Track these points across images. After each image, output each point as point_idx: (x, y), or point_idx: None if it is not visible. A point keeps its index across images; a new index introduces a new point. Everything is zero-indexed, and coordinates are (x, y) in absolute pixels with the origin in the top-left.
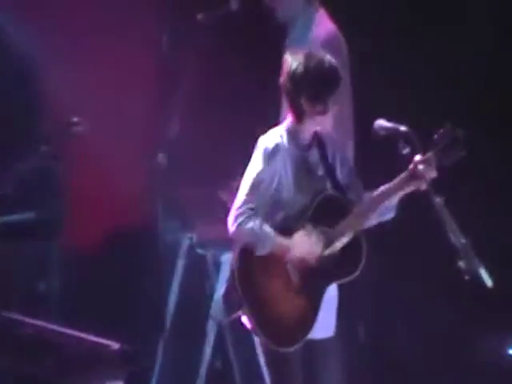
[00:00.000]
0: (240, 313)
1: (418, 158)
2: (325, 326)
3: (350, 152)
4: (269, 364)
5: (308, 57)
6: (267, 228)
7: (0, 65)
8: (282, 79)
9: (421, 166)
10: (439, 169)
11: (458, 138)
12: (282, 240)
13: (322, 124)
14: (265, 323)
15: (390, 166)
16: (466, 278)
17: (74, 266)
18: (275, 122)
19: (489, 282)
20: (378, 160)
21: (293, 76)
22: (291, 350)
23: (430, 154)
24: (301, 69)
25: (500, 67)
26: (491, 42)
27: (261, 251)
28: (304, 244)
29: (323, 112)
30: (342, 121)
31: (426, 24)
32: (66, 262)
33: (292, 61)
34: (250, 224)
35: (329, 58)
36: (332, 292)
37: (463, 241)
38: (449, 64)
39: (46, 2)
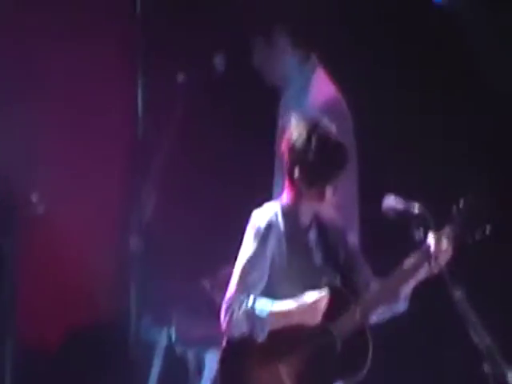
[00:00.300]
0: None
1: (431, 235)
2: None
3: (354, 238)
4: None
5: (314, 127)
6: (262, 300)
7: None
8: (282, 147)
9: (434, 244)
10: (459, 248)
11: (481, 211)
12: (282, 306)
13: (320, 208)
14: None
15: (401, 250)
16: (492, 383)
17: (28, 367)
18: (266, 197)
19: None
20: (387, 242)
21: (292, 146)
22: None
23: (445, 230)
24: (302, 139)
25: None
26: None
27: (261, 333)
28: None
29: (320, 199)
30: (345, 202)
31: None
32: (20, 362)
33: (295, 128)
34: (243, 308)
35: (337, 135)
36: None
37: (488, 341)
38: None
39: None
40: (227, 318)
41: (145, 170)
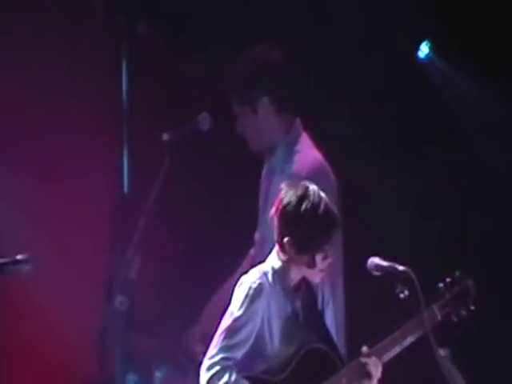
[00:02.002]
0: None
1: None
2: None
3: (339, 285)
4: None
5: (303, 196)
6: (245, 383)
7: None
8: (272, 212)
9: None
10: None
11: (467, 290)
12: None
13: (309, 275)
14: None
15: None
16: None
17: None
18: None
19: None
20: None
21: (282, 213)
22: None
23: (434, 306)
24: (291, 209)
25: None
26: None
27: None
28: None
29: (310, 265)
30: (330, 274)
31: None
32: None
33: (285, 194)
34: (225, 379)
35: (326, 202)
36: None
37: None
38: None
39: None
40: (207, 379)
41: (130, 230)
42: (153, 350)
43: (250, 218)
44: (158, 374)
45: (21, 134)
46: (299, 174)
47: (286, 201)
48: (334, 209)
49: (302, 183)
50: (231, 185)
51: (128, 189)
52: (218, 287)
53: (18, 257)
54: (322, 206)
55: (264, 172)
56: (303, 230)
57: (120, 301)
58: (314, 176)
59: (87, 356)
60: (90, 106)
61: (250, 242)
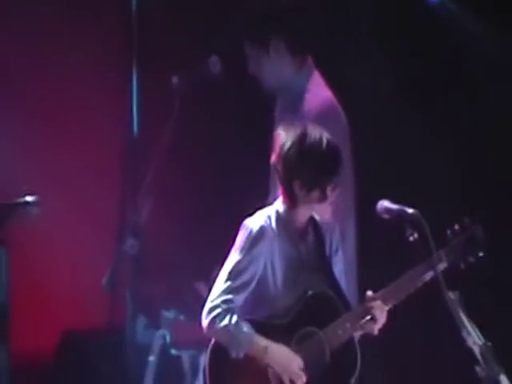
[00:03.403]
0: None
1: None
2: None
3: (351, 230)
4: None
5: (303, 135)
6: (245, 328)
7: None
8: (273, 159)
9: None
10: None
11: (475, 237)
12: (260, 344)
13: (319, 211)
14: None
15: (395, 249)
16: None
17: (26, 374)
18: (261, 203)
19: None
20: (382, 242)
21: (285, 158)
22: None
23: (441, 252)
24: (294, 150)
25: None
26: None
27: (235, 354)
28: (283, 359)
29: (320, 200)
30: (339, 220)
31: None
32: (17, 369)
33: (285, 139)
34: (225, 321)
35: (327, 136)
36: None
37: (481, 343)
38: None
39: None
40: (207, 322)
41: (140, 172)
42: (161, 293)
43: (263, 159)
44: (166, 316)
45: (28, 74)
46: (309, 113)
47: (287, 144)
48: (340, 145)
49: (298, 126)
50: (243, 129)
51: (138, 131)
52: (229, 234)
53: (28, 199)
54: (324, 141)
55: (277, 111)
56: (310, 168)
57: (130, 244)
58: (324, 115)
59: (98, 300)
60: (100, 46)
61: (266, 184)
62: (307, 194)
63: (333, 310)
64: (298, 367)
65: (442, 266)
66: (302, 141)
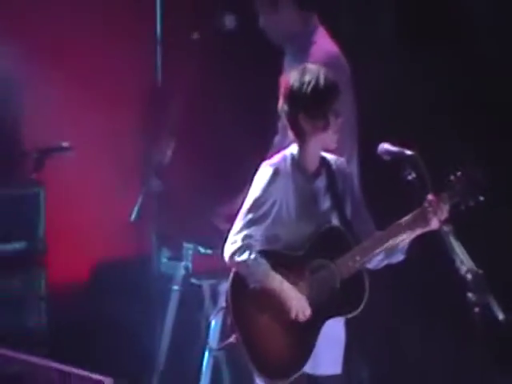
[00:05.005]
0: (234, 341)
1: (430, 198)
2: (332, 362)
3: (354, 166)
4: None
5: (302, 71)
6: (262, 262)
7: None
8: (280, 101)
9: (431, 209)
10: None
11: (477, 182)
12: (275, 279)
13: (325, 141)
14: (256, 355)
15: (395, 191)
16: (476, 310)
17: (62, 299)
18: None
19: (500, 315)
20: (382, 184)
21: (289, 94)
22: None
23: (444, 195)
24: (296, 84)
25: None
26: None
27: (252, 284)
28: (292, 294)
29: (325, 127)
30: (347, 133)
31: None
32: (54, 295)
33: (288, 79)
34: (245, 255)
35: (324, 70)
36: (339, 329)
37: (473, 271)
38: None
39: (29, 24)
40: (228, 255)
41: (164, 116)
42: (183, 227)
43: (273, 106)
44: (187, 248)
45: (56, 22)
46: (314, 61)
47: (289, 82)
48: (344, 93)
49: (298, 64)
50: (255, 79)
51: (162, 75)
52: (246, 178)
53: (63, 144)
54: (321, 71)
55: (285, 63)
56: (310, 97)
57: (156, 183)
58: (330, 65)
59: (125, 233)
60: (125, 4)
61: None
62: (312, 124)
63: (344, 243)
64: (303, 305)
65: (445, 207)
66: (302, 75)
